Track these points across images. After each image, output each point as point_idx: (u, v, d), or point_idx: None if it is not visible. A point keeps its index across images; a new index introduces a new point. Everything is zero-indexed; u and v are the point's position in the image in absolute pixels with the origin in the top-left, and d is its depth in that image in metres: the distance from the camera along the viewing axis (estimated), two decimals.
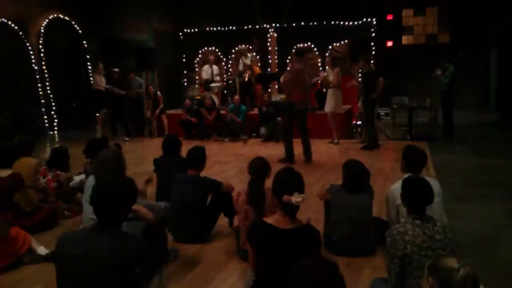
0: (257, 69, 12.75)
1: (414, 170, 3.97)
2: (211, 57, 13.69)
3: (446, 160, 8.14)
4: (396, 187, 3.76)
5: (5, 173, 4.91)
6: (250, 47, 12.67)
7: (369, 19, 12.84)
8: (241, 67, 12.73)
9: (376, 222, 4.37)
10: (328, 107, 10.29)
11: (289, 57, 13.60)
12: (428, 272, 2.18)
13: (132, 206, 2.65)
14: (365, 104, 9.78)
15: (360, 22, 12.97)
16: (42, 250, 4.40)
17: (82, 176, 5.70)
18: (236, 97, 11.53)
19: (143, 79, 12.72)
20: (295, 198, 2.87)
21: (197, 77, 13.46)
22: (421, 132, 10.90)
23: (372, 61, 11.60)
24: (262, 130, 10.99)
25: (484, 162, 8.19)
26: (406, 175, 3.66)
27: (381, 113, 13.84)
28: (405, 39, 17.93)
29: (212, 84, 12.95)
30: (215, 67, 13.53)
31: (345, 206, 4.20)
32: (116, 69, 11.62)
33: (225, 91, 13.11)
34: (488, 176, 7.28)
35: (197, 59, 14.75)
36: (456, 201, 5.69)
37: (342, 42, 13.22)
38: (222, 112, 11.72)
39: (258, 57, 12.83)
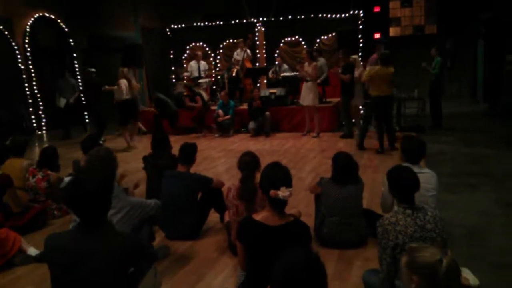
0: (249, 65, 12.71)
1: (414, 161, 3.94)
2: (199, 53, 13.64)
3: (434, 150, 8.19)
4: None
5: None
6: (245, 43, 12.57)
7: (356, 11, 12.86)
8: (233, 60, 12.65)
9: (366, 214, 4.38)
10: (307, 100, 10.23)
11: (277, 51, 13.61)
12: (408, 270, 2.14)
13: (108, 203, 2.58)
14: (342, 95, 9.93)
15: (347, 14, 12.98)
16: (32, 251, 4.38)
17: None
18: (223, 93, 11.48)
19: (131, 75, 12.56)
20: (282, 193, 2.85)
21: (184, 73, 13.39)
22: (410, 123, 10.96)
23: (359, 54, 11.66)
24: (251, 125, 10.98)
25: (472, 152, 8.26)
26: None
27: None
28: (393, 31, 18.00)
29: (201, 80, 12.90)
30: (202, 63, 13.47)
31: (335, 198, 4.21)
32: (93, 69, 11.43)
33: (214, 87, 13.07)
34: (476, 165, 7.34)
35: (185, 55, 14.69)
36: (445, 191, 5.72)
37: (330, 35, 13.23)
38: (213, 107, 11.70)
39: (250, 52, 12.75)
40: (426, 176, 3.83)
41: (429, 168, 4.22)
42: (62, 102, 11.73)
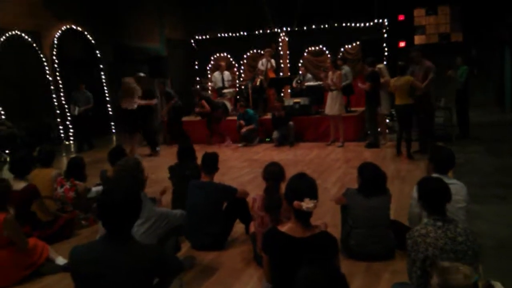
0: (272, 74, 12.73)
1: (442, 171, 3.88)
2: (222, 63, 13.73)
3: (462, 160, 8.03)
4: None
5: (20, 185, 4.96)
6: (266, 53, 12.58)
7: (380, 20, 12.78)
8: (257, 70, 12.67)
9: (394, 226, 4.30)
10: (332, 110, 10.18)
11: (301, 61, 13.60)
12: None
13: (138, 215, 2.59)
14: (367, 104, 9.89)
15: (371, 23, 12.91)
16: (60, 260, 4.43)
17: (99, 188, 5.74)
18: (238, 105, 11.54)
19: (155, 87, 12.71)
20: (306, 204, 2.82)
21: (209, 84, 13.49)
22: (437, 132, 10.77)
23: (384, 63, 11.56)
24: (275, 135, 10.97)
25: (500, 162, 8.08)
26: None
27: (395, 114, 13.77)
28: (418, 39, 17.82)
29: (225, 90, 12.98)
30: (226, 73, 13.54)
31: (362, 210, 4.14)
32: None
33: (238, 97, 13.12)
34: (505, 176, 7.16)
35: (209, 65, 14.80)
36: (473, 202, 5.57)
37: (354, 44, 13.17)
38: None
39: (274, 62, 12.75)
40: (455, 187, 3.74)
41: (456, 178, 4.13)
42: (76, 110, 11.85)
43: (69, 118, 12.79)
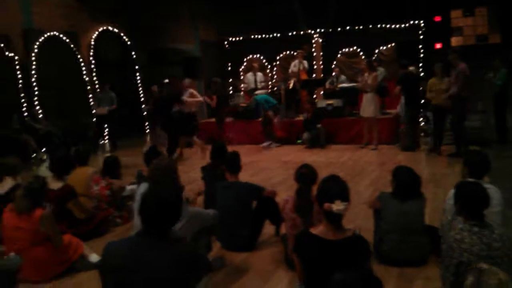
0: (304, 76, 12.69)
1: (478, 175, 3.79)
2: (255, 65, 13.77)
3: (498, 165, 7.80)
4: None
5: (58, 184, 5.09)
6: (299, 54, 12.56)
7: (416, 21, 12.58)
8: (290, 72, 12.66)
9: (428, 231, 4.22)
10: (367, 112, 10.09)
11: (334, 62, 13.51)
12: None
13: (179, 216, 2.63)
14: (406, 108, 9.82)
15: (407, 24, 12.72)
16: (94, 257, 4.51)
17: (134, 186, 5.84)
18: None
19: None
20: (337, 206, 2.79)
21: (242, 85, 13.55)
22: (474, 136, 10.51)
23: (420, 64, 11.40)
24: (305, 136, 10.92)
25: None
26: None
27: (430, 118, 13.53)
28: (455, 41, 17.42)
29: (257, 92, 13.01)
30: (259, 74, 13.57)
31: (396, 214, 4.06)
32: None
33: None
34: None
35: (242, 67, 14.86)
36: (509, 208, 5.43)
37: (389, 46, 13.00)
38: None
39: (306, 64, 12.73)
40: (490, 191, 3.63)
41: (492, 183, 4.03)
42: (100, 110, 12.06)
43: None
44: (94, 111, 12.35)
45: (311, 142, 10.83)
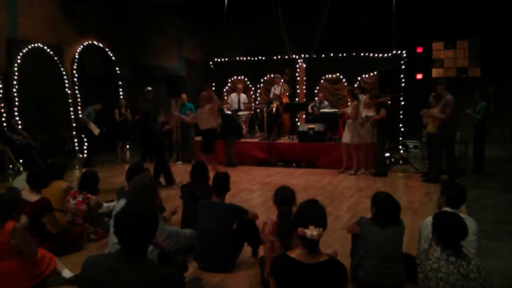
0: (286, 99, 12.79)
1: (455, 206, 3.86)
2: (239, 86, 13.84)
3: (476, 195, 7.93)
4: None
5: (34, 197, 4.99)
6: (281, 78, 12.67)
7: (398, 51, 12.83)
8: (272, 95, 12.75)
9: (405, 259, 4.23)
10: (345, 138, 10.31)
11: (317, 87, 13.66)
12: None
13: (153, 235, 2.60)
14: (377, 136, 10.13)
15: (389, 54, 12.96)
16: (66, 273, 4.41)
17: (111, 203, 5.75)
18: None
19: (173, 105, 12.80)
20: (310, 232, 2.80)
21: (225, 105, 13.59)
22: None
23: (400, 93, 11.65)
24: None
25: None
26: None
27: (409, 145, 13.74)
28: (435, 72, 17.81)
29: (240, 113, 13.06)
30: (243, 96, 13.65)
31: (375, 241, 4.02)
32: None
33: (253, 120, 13.19)
34: None
35: (226, 87, 14.92)
36: (486, 239, 5.50)
37: (371, 74, 13.21)
38: None
39: (287, 87, 12.83)
40: (466, 221, 3.70)
41: (469, 214, 4.10)
42: (95, 129, 11.81)
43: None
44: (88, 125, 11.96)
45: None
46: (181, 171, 9.84)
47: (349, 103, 10.32)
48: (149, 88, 9.71)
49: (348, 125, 10.24)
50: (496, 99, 14.83)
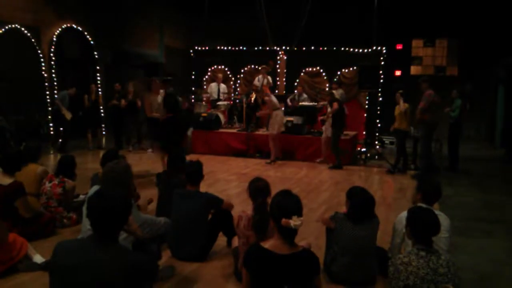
0: (268, 91, 12.74)
1: (429, 202, 3.91)
2: (219, 75, 13.75)
3: (449, 193, 8.08)
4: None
5: (7, 180, 4.91)
6: (262, 69, 12.62)
7: (379, 48, 12.92)
8: (253, 87, 12.66)
9: (377, 253, 4.29)
10: (326, 132, 10.55)
11: (297, 80, 13.68)
12: None
13: (126, 220, 2.59)
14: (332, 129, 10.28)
15: (369, 50, 13.05)
16: (38, 258, 4.37)
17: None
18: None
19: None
20: (294, 222, 2.79)
21: (204, 94, 13.51)
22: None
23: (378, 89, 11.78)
24: None
25: (487, 197, 8.14)
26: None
27: (385, 141, 13.90)
28: (414, 69, 18.03)
29: (219, 103, 13.00)
30: (222, 86, 13.58)
31: (349, 238, 4.06)
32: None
33: (232, 110, 13.15)
34: (491, 211, 7.22)
35: (206, 76, 14.83)
36: (457, 235, 5.62)
37: (351, 69, 13.28)
38: None
39: (270, 79, 12.79)
40: (439, 218, 3.77)
41: (442, 210, 4.16)
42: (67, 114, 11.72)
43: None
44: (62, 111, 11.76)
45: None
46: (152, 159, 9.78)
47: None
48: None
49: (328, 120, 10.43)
50: (473, 99, 15.10)
